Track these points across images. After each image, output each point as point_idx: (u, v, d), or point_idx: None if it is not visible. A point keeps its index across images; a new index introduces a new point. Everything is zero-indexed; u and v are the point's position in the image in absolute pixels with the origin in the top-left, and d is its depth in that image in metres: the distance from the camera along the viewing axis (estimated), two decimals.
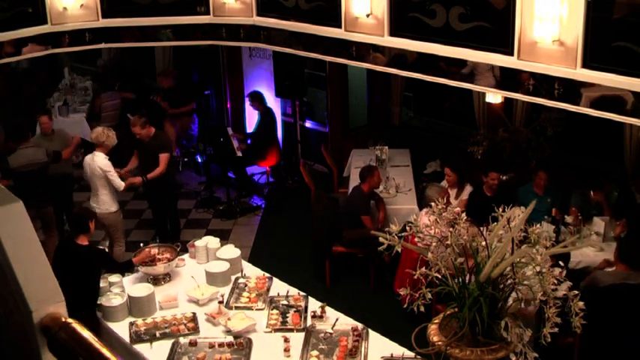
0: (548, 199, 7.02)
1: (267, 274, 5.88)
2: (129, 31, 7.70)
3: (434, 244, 3.67)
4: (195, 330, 5.12)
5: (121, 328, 5.21)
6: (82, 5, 7.34)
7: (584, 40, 4.78)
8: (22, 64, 11.50)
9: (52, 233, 7.80)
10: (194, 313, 5.30)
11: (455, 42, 5.64)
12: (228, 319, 5.14)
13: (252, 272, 5.94)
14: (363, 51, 6.42)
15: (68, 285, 5.11)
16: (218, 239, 6.28)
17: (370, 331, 5.01)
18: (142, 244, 6.11)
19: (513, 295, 3.57)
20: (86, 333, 1.92)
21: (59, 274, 4.78)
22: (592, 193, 7.03)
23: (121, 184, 7.22)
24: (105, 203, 7.17)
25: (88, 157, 7.26)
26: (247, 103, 10.37)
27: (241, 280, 5.79)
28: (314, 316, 5.22)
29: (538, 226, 3.66)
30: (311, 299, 5.48)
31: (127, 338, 5.08)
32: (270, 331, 5.09)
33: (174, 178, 8.51)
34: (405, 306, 3.66)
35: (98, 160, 7.10)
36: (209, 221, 9.16)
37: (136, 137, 7.79)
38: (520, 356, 3.47)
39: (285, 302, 5.46)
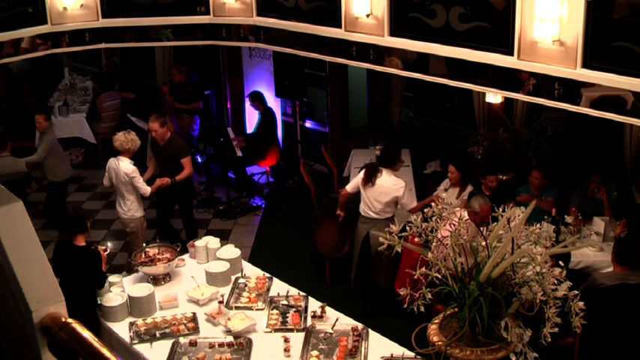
0: (543, 197, 7.02)
1: (267, 274, 5.88)
2: (129, 31, 7.71)
3: (434, 244, 3.68)
4: (195, 330, 5.12)
5: (121, 328, 5.21)
6: (82, 5, 7.34)
7: (584, 40, 4.78)
8: (22, 64, 11.53)
9: None
10: (194, 313, 5.30)
11: (455, 42, 5.64)
12: (228, 319, 5.14)
13: (252, 272, 5.94)
14: (364, 51, 6.42)
15: (68, 285, 5.14)
16: (218, 239, 6.28)
17: (370, 331, 5.01)
18: (144, 244, 6.11)
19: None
20: (86, 333, 1.93)
21: (59, 275, 4.79)
22: (590, 185, 7.06)
23: (147, 190, 7.11)
24: (131, 208, 7.09)
25: (112, 162, 7.09)
26: (247, 103, 10.38)
27: (241, 280, 5.79)
28: (314, 316, 5.21)
29: (538, 226, 3.67)
30: (311, 299, 5.48)
31: (127, 338, 5.08)
32: (270, 331, 5.09)
33: (192, 179, 8.36)
34: (405, 306, 3.67)
35: (123, 166, 6.98)
36: (209, 221, 9.17)
37: (145, 143, 7.75)
38: (520, 356, 3.48)
39: (285, 302, 5.46)
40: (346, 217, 7.07)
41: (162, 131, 7.52)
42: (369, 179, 6.50)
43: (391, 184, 6.45)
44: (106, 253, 5.81)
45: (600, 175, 7.11)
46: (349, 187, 6.78)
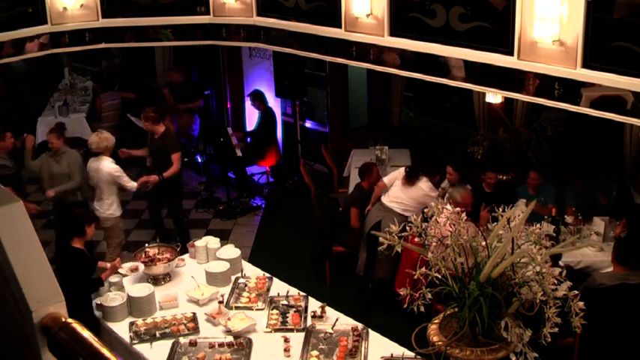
0: (542, 197, 7.03)
1: (267, 274, 5.88)
2: (129, 31, 7.70)
3: (434, 244, 3.67)
4: (195, 330, 5.12)
5: (121, 328, 5.21)
6: (82, 5, 7.34)
7: (584, 40, 4.78)
8: (22, 64, 11.53)
9: None
10: (194, 313, 5.30)
11: (455, 42, 5.64)
12: (228, 319, 5.14)
13: (252, 272, 5.94)
14: (364, 51, 6.42)
15: (67, 285, 5.14)
16: (218, 239, 6.28)
17: (370, 331, 5.01)
18: (146, 245, 6.11)
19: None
20: (86, 333, 1.93)
21: (58, 275, 4.81)
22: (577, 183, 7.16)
23: (133, 185, 7.18)
24: (110, 207, 7.10)
25: (92, 163, 7.10)
26: (248, 103, 10.38)
27: (241, 280, 5.79)
28: (314, 316, 5.21)
29: (538, 226, 3.66)
30: (311, 299, 5.48)
31: (127, 338, 5.08)
32: (270, 331, 5.09)
33: (182, 177, 8.40)
34: (405, 306, 3.66)
35: (106, 166, 7.01)
36: (209, 221, 9.17)
37: (139, 139, 7.79)
38: (520, 356, 3.47)
39: (285, 302, 5.46)
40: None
41: (153, 127, 7.70)
42: (411, 180, 6.90)
43: (428, 189, 6.87)
44: (118, 268, 5.73)
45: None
46: (387, 181, 7.11)
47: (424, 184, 6.87)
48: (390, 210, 6.78)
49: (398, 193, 6.89)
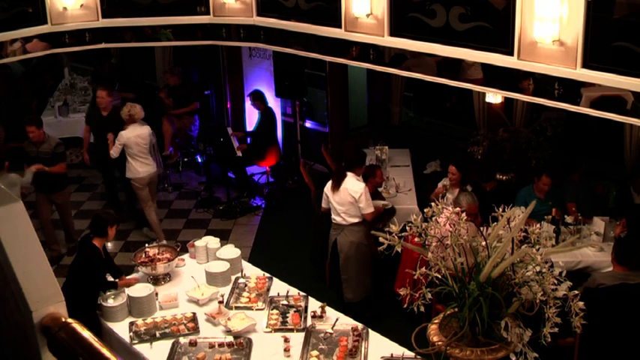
0: (550, 201, 7.02)
1: (267, 274, 5.88)
2: (129, 31, 7.70)
3: (434, 244, 3.68)
4: (195, 330, 5.12)
5: (121, 328, 5.21)
6: (82, 5, 7.34)
7: (584, 40, 4.78)
8: (22, 64, 11.52)
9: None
10: (194, 313, 5.31)
11: (455, 42, 5.64)
12: (228, 319, 5.14)
13: (252, 272, 5.94)
14: (364, 51, 6.42)
15: (74, 281, 5.16)
16: (218, 239, 6.28)
17: (370, 331, 5.02)
18: (146, 245, 6.10)
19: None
20: (86, 333, 1.93)
21: (72, 269, 4.86)
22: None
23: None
24: (154, 161, 8.06)
25: (129, 132, 7.82)
26: (248, 103, 10.37)
27: (241, 280, 5.79)
28: (314, 316, 5.22)
29: (538, 226, 3.67)
30: (311, 299, 5.48)
31: (127, 338, 5.09)
32: (270, 331, 5.09)
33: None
34: (405, 306, 3.67)
35: (143, 128, 7.95)
36: (209, 221, 9.17)
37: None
38: (520, 356, 3.48)
39: (285, 302, 5.46)
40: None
41: (108, 100, 8.46)
42: (338, 184, 6.53)
43: (351, 186, 6.51)
44: (133, 283, 5.69)
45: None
46: (324, 204, 6.80)
47: (348, 182, 6.53)
48: (339, 226, 6.62)
49: (334, 206, 6.61)
